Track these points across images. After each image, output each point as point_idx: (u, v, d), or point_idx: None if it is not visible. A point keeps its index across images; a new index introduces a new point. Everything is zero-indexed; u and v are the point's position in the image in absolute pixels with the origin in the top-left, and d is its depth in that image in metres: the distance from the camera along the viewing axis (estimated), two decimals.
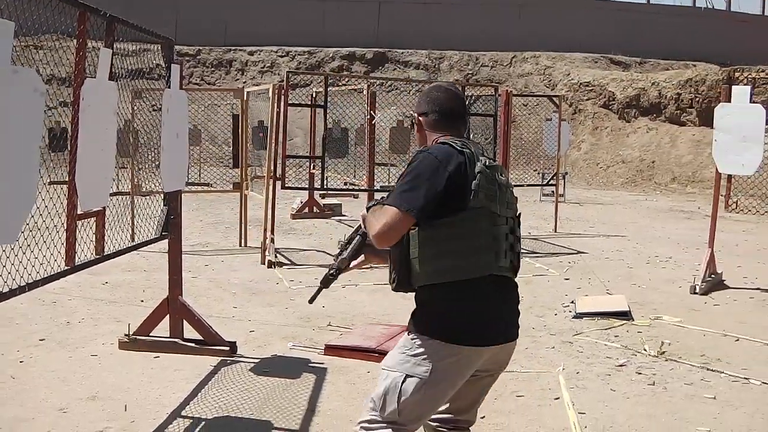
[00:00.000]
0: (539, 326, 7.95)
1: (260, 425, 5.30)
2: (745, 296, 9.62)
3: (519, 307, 3.76)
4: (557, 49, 31.68)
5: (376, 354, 6.72)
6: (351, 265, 3.93)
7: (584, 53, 31.63)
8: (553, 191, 15.80)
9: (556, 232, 14.31)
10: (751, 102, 9.88)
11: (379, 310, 8.50)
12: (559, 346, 7.26)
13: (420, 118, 3.84)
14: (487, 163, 3.50)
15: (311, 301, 4.09)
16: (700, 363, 6.90)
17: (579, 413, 5.61)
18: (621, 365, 6.74)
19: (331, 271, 3.91)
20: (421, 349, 3.52)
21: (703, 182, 20.97)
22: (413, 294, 3.66)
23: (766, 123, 9.84)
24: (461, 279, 3.41)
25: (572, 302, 8.75)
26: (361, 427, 3.63)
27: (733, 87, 10.02)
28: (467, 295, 3.44)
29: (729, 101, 9.87)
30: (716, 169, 10.19)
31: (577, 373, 6.53)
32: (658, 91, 25.70)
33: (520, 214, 3.71)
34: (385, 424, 3.55)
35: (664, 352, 7.09)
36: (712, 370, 6.73)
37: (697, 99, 24.26)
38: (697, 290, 9.58)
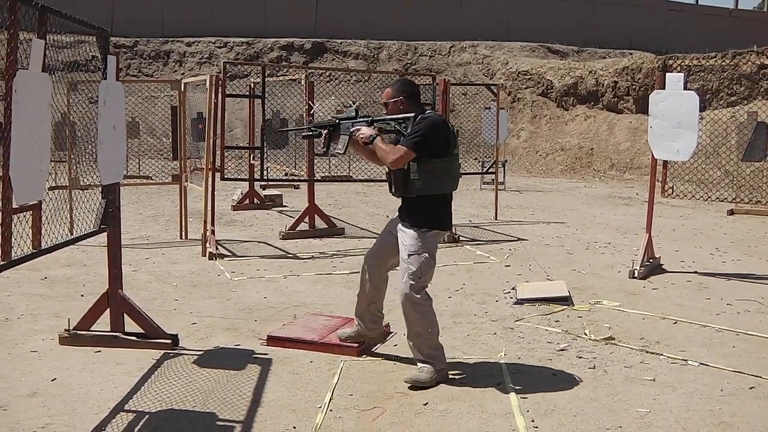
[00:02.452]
0: (480, 313, 8.01)
1: (204, 417, 5.27)
2: (682, 280, 9.77)
3: None
4: (496, 38, 31.83)
5: (318, 345, 6.74)
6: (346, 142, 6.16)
7: (522, 42, 31.82)
8: (493, 179, 15.91)
9: (496, 219, 14.41)
10: (685, 89, 10.01)
11: (320, 301, 8.49)
12: (501, 332, 7.32)
13: (402, 97, 6.04)
14: (452, 126, 6.17)
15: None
16: (639, 346, 7.00)
17: (521, 398, 5.67)
18: (562, 350, 6.82)
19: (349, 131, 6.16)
20: (425, 236, 5.96)
21: (640, 169, 21.24)
22: (407, 203, 6.06)
23: (700, 110, 9.98)
24: (441, 193, 6.01)
25: (513, 289, 8.83)
26: (413, 293, 5.94)
27: (668, 74, 10.14)
28: (442, 202, 6.06)
29: (664, 88, 10.00)
30: (652, 156, 10.33)
31: (519, 358, 6.59)
32: (595, 80, 25.94)
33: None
34: (423, 287, 6.01)
35: (612, 338, 7.17)
36: (651, 353, 6.83)
37: (634, 87, 24.51)
38: (636, 275, 9.71)
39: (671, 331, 7.53)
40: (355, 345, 6.59)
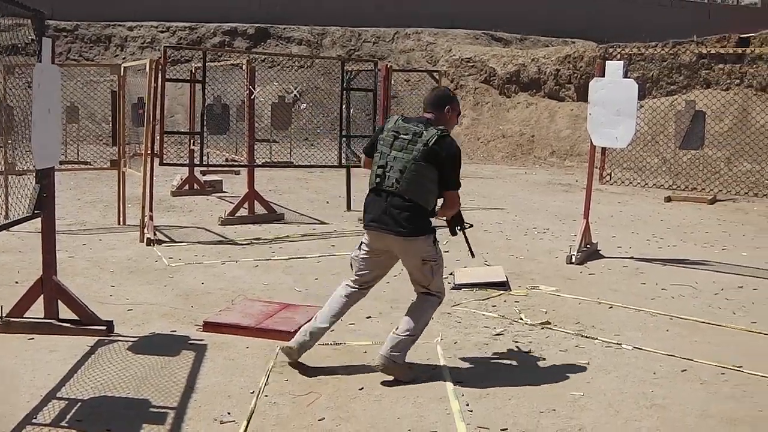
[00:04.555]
0: None
1: (138, 404, 5.23)
2: (618, 265, 9.89)
3: None
4: (439, 25, 31.84)
5: (255, 331, 6.71)
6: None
7: (466, 30, 31.86)
8: None
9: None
10: (625, 77, 10.11)
11: (258, 287, 8.46)
12: (438, 317, 7.31)
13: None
14: None
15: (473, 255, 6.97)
16: (575, 330, 7.08)
17: (456, 382, 5.71)
18: (498, 334, 6.87)
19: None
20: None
21: (580, 156, 21.41)
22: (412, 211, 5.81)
23: (640, 98, 10.08)
24: None
25: (451, 274, 8.84)
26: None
27: (608, 62, 10.22)
28: None
29: (604, 76, 10.09)
30: (591, 143, 10.42)
31: (455, 343, 6.64)
32: (537, 67, 26.06)
33: None
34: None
35: (548, 322, 7.24)
36: (586, 337, 6.91)
37: (576, 75, 24.68)
38: (573, 260, 9.81)
39: (606, 316, 7.63)
40: (292, 330, 6.57)
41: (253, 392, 5.46)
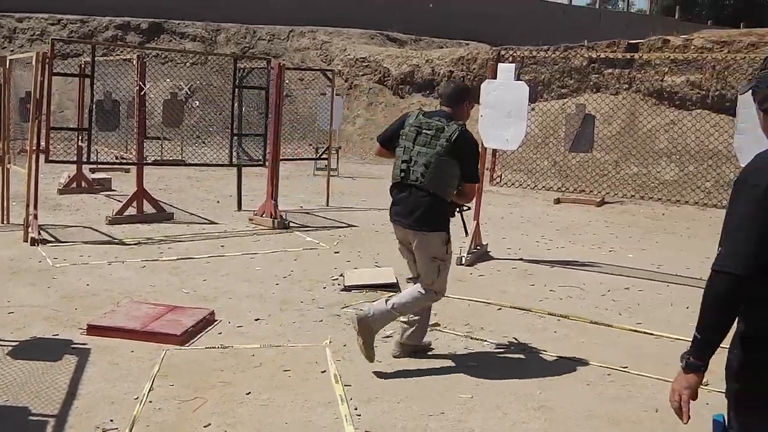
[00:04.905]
0: (308, 300, 7.94)
1: (16, 412, 5.02)
2: (508, 267, 9.96)
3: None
4: (335, 24, 31.76)
5: (141, 334, 6.52)
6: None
7: (361, 29, 31.86)
8: (326, 165, 15.83)
9: (328, 205, 14.36)
10: (517, 80, 10.18)
11: (145, 288, 8.24)
12: (327, 319, 7.27)
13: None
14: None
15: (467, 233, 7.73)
16: (464, 332, 7.08)
17: (345, 385, 5.63)
18: (388, 336, 6.81)
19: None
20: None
21: None
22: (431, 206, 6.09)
23: (531, 101, 10.17)
24: None
25: (341, 275, 8.78)
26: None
27: (500, 64, 10.30)
28: None
29: (496, 78, 10.14)
30: (482, 144, 10.46)
31: (344, 345, 6.56)
32: (431, 68, 26.19)
33: None
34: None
35: (437, 324, 7.21)
36: (475, 339, 6.92)
37: (469, 77, 24.85)
38: (464, 261, 9.83)
39: (496, 317, 7.65)
40: (179, 333, 6.41)
41: (137, 398, 5.29)
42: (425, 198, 6.04)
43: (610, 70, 21.12)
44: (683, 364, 2.95)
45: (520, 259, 10.38)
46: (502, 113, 9.99)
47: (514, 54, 11.80)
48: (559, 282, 9.22)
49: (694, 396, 2.90)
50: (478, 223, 10.37)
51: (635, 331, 7.43)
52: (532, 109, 11.23)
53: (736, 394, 2.90)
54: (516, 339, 6.95)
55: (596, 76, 21.50)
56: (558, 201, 16.01)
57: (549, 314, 7.80)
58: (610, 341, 7.09)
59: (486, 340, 6.89)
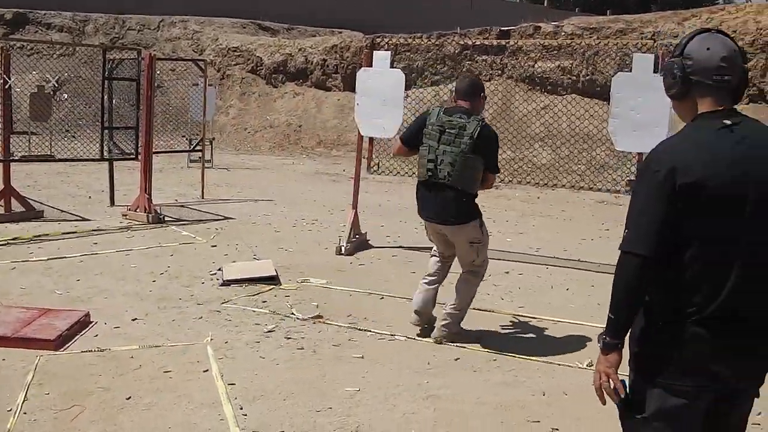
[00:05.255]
0: (186, 296, 7.70)
1: None
2: (388, 255, 9.91)
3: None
4: (206, 14, 31.20)
5: (12, 340, 6.20)
6: None
7: (234, 18, 31.40)
8: (200, 157, 15.50)
9: (203, 198, 14.04)
10: (392, 67, 10.13)
11: (15, 291, 7.81)
12: (207, 316, 7.06)
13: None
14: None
15: None
16: (347, 323, 6.99)
17: (228, 384, 5.47)
18: (269, 331, 6.67)
19: None
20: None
21: (347, 145, 21.46)
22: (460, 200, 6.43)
23: (406, 88, 10.13)
24: None
25: (219, 270, 8.56)
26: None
27: (375, 52, 10.24)
28: None
29: (371, 66, 10.07)
30: (359, 132, 10.39)
31: (226, 342, 6.38)
32: (305, 57, 25.97)
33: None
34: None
35: (320, 316, 7.09)
36: (359, 330, 6.84)
37: (342, 65, 24.74)
38: (343, 251, 9.73)
39: (378, 307, 7.59)
40: (53, 338, 6.12)
41: (10, 410, 5.01)
42: (454, 194, 6.36)
43: (483, 57, 21.29)
44: (601, 344, 3.05)
45: (400, 247, 10.34)
46: (378, 101, 9.93)
47: (389, 42, 11.75)
48: None
49: (612, 374, 3.01)
50: (356, 212, 10.28)
51: (518, 315, 7.46)
52: (407, 96, 11.15)
53: (633, 357, 3.06)
54: (400, 328, 6.88)
55: (469, 62, 21.65)
56: None
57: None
58: (494, 327, 7.10)
59: (370, 331, 6.81)
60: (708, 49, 2.98)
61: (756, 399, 3.10)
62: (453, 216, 6.41)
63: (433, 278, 6.83)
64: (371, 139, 10.68)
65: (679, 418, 2.95)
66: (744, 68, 3.02)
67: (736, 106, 3.03)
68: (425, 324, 6.81)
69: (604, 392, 3.04)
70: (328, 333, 6.73)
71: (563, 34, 20.22)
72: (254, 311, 7.25)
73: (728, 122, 2.94)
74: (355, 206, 10.34)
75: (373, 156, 10.93)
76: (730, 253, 2.87)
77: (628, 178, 9.97)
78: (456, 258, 6.83)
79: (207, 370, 5.75)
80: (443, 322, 6.59)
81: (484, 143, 6.35)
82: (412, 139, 6.72)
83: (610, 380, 3.01)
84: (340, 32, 30.56)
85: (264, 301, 7.60)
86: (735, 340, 2.89)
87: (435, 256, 6.90)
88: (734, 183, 2.85)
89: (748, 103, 17.70)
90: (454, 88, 6.95)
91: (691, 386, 2.91)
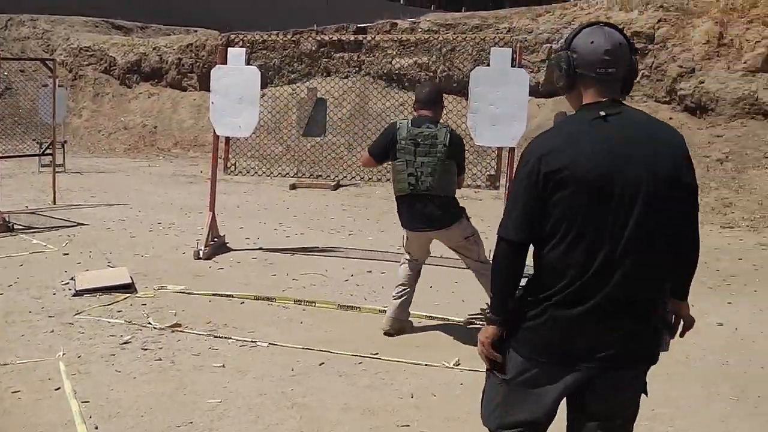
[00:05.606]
0: (37, 309, 7.30)
1: None
2: (248, 257, 9.68)
3: None
4: (57, 12, 30.18)
5: None
6: None
7: (85, 17, 30.48)
8: (51, 161, 14.91)
9: (55, 204, 13.48)
10: (248, 65, 9.94)
11: None
12: (59, 329, 6.71)
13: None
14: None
15: None
16: (207, 331, 6.77)
17: (82, 402, 5.20)
18: (125, 343, 6.39)
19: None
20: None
21: (204, 146, 20.98)
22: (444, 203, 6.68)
23: (263, 86, 9.95)
24: None
25: (72, 279, 8.18)
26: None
27: (230, 49, 10.02)
28: None
29: (226, 63, 9.84)
30: (214, 132, 10.13)
31: (79, 357, 6.07)
32: (159, 56, 25.38)
33: None
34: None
35: (178, 324, 6.84)
36: (219, 337, 6.63)
37: (198, 64, 24.27)
38: (201, 255, 9.46)
39: (239, 312, 7.38)
40: None
41: None
42: (439, 201, 6.60)
43: (339, 54, 21.18)
44: (485, 318, 3.40)
45: (260, 249, 10.12)
46: (234, 99, 9.72)
47: (244, 39, 11.51)
48: (301, 270, 9.06)
49: (492, 342, 3.24)
50: (213, 215, 10.01)
51: (383, 314, 7.37)
52: (264, 94, 10.98)
53: (508, 325, 3.24)
54: (262, 333, 6.70)
55: (326, 60, 21.51)
56: (294, 187, 15.84)
57: (296, 301, 7.62)
58: (358, 328, 7.01)
59: (231, 338, 6.60)
60: (592, 42, 3.08)
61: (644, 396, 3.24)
62: (443, 220, 6.65)
63: (406, 287, 6.94)
64: (227, 139, 10.44)
65: (534, 387, 3.17)
66: (632, 60, 3.13)
67: (623, 97, 3.15)
68: (397, 332, 6.87)
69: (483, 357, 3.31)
70: (187, 342, 6.49)
71: (420, 30, 20.30)
72: (109, 322, 6.94)
73: (603, 113, 3.03)
74: (212, 208, 10.07)
75: (230, 156, 10.70)
76: (592, 240, 2.99)
77: (488, 173, 10.01)
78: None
79: (59, 388, 5.43)
80: None
81: (455, 148, 6.67)
82: (381, 152, 6.91)
83: (484, 347, 3.26)
84: (196, 31, 30.04)
85: (119, 311, 7.29)
86: (590, 324, 3.03)
87: (406, 263, 7.01)
88: (599, 173, 2.96)
89: None
90: (415, 97, 7.03)
91: (546, 361, 3.12)
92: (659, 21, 18.10)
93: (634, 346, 3.08)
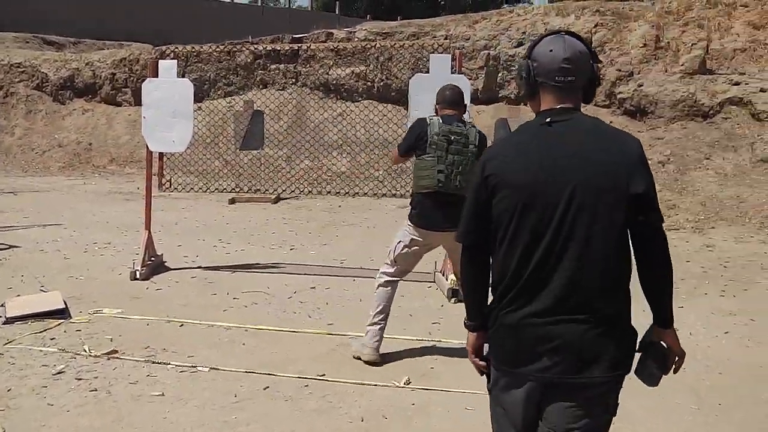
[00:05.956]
0: None
1: None
2: (187, 276, 9.37)
3: None
4: None
5: None
6: None
7: (15, 33, 29.90)
8: None
9: None
10: (181, 77, 9.66)
11: None
12: None
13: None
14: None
15: None
16: (145, 356, 6.48)
17: None
18: (59, 373, 6.08)
19: None
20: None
21: (140, 162, 20.50)
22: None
23: (198, 100, 9.68)
24: None
25: (1, 305, 7.80)
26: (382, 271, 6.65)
27: (161, 61, 9.73)
28: None
29: (157, 77, 9.56)
30: (147, 148, 9.82)
31: (9, 390, 5.73)
32: (92, 72, 24.92)
33: None
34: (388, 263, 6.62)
35: (115, 351, 6.54)
36: (158, 363, 6.35)
37: (132, 78, 23.86)
38: (138, 276, 9.13)
39: (178, 335, 7.10)
40: None
41: None
42: (461, 201, 6.05)
43: (275, 66, 20.91)
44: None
45: (199, 267, 9.81)
46: (167, 113, 9.42)
47: (177, 51, 11.23)
48: (242, 288, 8.78)
49: (474, 350, 3.30)
50: (150, 233, 9.69)
51: (328, 333, 7.15)
52: (199, 108, 10.71)
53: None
54: (203, 357, 6.44)
55: (262, 72, 21.22)
56: (232, 201, 15.50)
57: (235, 325, 7.35)
58: (303, 348, 6.76)
59: (170, 363, 6.32)
60: (551, 51, 3.11)
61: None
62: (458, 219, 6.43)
63: (387, 312, 6.61)
64: (162, 155, 10.15)
65: (505, 397, 3.17)
66: (593, 68, 3.15)
67: (585, 105, 3.20)
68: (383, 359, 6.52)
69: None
70: (124, 369, 6.19)
71: (357, 39, 20.12)
72: (41, 351, 6.60)
73: (548, 120, 3.06)
74: (148, 227, 9.75)
75: (165, 172, 10.41)
76: (525, 246, 3.02)
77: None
78: None
79: None
80: None
81: (483, 148, 6.37)
82: (410, 150, 6.74)
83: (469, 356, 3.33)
84: (129, 45, 29.60)
85: (52, 339, 6.94)
86: (534, 333, 3.02)
87: (387, 282, 6.67)
88: (529, 179, 3.00)
89: None
90: (438, 98, 6.84)
91: (508, 370, 3.12)
92: (596, 25, 18.16)
93: (580, 356, 3.00)
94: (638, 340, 3.13)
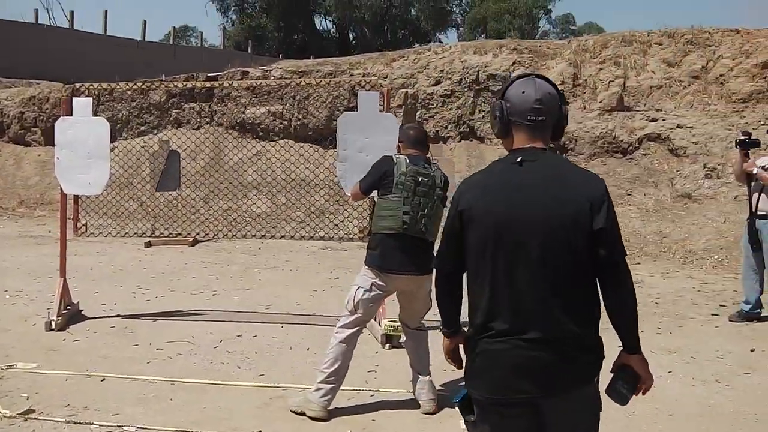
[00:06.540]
0: None
1: None
2: (105, 326, 8.88)
3: None
4: None
5: None
6: None
7: None
8: None
9: None
10: (96, 116, 9.26)
11: None
12: None
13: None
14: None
15: None
16: (65, 416, 6.01)
17: None
18: None
19: None
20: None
21: (52, 204, 19.86)
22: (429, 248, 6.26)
23: (112, 140, 9.28)
24: None
25: None
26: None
27: (75, 99, 9.32)
28: None
29: (71, 115, 9.13)
30: (61, 190, 9.35)
31: None
32: (0, 111, 24.27)
33: None
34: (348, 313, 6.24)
35: (31, 410, 6.06)
36: (80, 423, 5.89)
37: (41, 118, 23.24)
38: (54, 326, 8.61)
39: (100, 391, 6.64)
40: None
41: None
42: (425, 246, 6.21)
43: (190, 105, 20.50)
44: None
45: (118, 316, 9.31)
46: (82, 154, 9.00)
47: (90, 88, 10.77)
48: (165, 337, 8.33)
49: (449, 352, 3.63)
50: (65, 280, 9.19)
51: (259, 385, 6.77)
52: (114, 148, 10.30)
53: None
54: (128, 415, 6.01)
55: (177, 111, 20.80)
56: (148, 244, 14.96)
57: (161, 379, 6.92)
58: (235, 402, 6.38)
59: (93, 423, 5.87)
60: (523, 92, 3.31)
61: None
62: (427, 266, 6.11)
63: (342, 374, 6.22)
64: (76, 197, 9.69)
65: (483, 424, 3.29)
66: (561, 108, 3.37)
67: (553, 144, 3.44)
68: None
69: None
70: (42, 431, 5.74)
71: (273, 77, 19.85)
72: None
73: (519, 159, 3.24)
74: (62, 273, 9.24)
75: (81, 216, 9.93)
76: (493, 277, 3.19)
77: (361, 225, 9.57)
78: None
79: None
80: (431, 395, 6.25)
81: (445, 194, 6.25)
82: (373, 188, 6.52)
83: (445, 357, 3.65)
84: (38, 83, 28.87)
85: None
86: (511, 359, 3.16)
87: (346, 342, 6.25)
88: (498, 214, 3.18)
89: (460, 141, 18.03)
90: (401, 136, 6.61)
91: (484, 396, 3.25)
92: (514, 63, 18.19)
93: (558, 376, 3.16)
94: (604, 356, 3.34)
